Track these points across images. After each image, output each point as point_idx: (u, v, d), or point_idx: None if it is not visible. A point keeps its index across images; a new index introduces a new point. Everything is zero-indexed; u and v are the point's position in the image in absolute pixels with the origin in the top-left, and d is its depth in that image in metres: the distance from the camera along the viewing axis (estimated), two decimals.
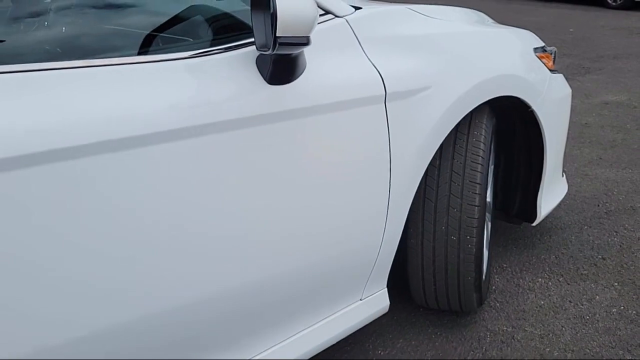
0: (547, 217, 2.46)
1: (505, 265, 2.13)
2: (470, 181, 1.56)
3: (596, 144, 3.39)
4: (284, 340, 1.31)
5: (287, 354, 1.32)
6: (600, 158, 3.16)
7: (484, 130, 1.61)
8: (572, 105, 3.24)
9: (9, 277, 0.86)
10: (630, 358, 1.64)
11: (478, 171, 1.56)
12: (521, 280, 2.03)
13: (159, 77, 1.03)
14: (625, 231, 2.35)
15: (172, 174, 1.01)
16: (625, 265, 2.11)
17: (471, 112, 1.59)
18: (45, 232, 0.88)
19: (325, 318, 1.41)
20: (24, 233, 0.86)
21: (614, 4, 9.24)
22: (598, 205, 2.59)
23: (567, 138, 3.45)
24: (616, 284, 2.00)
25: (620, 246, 2.24)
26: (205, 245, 1.08)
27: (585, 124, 3.77)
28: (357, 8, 1.41)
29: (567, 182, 2.74)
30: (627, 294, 1.94)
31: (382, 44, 1.38)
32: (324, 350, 1.42)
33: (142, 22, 1.29)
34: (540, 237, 2.32)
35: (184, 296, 1.07)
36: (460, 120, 1.55)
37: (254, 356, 1.25)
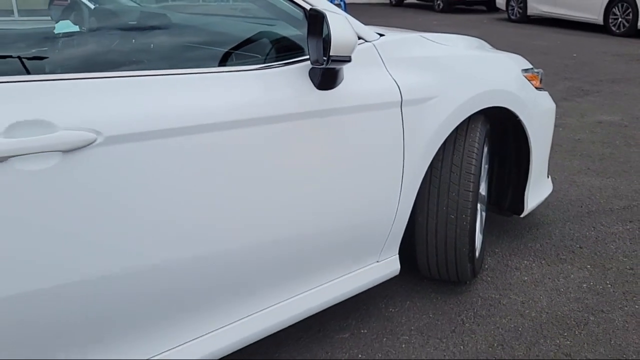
0: (535, 214, 2.86)
1: (497, 250, 2.54)
2: (466, 172, 1.98)
3: (586, 156, 3.79)
4: (325, 284, 1.74)
5: (327, 295, 1.74)
6: (588, 168, 3.56)
7: (478, 133, 2.03)
8: (567, 123, 3.64)
9: (153, 212, 1.28)
10: (593, 319, 2.03)
11: (473, 164, 1.98)
12: (509, 262, 2.43)
13: (235, 83, 1.46)
14: (602, 227, 2.75)
15: (243, 150, 1.43)
16: (598, 253, 2.50)
17: (468, 118, 2.01)
18: (168, 180, 1.30)
19: (353, 272, 1.83)
20: (157, 182, 1.28)
21: (617, 31, 9.66)
22: (581, 207, 2.99)
23: (560, 151, 3.88)
24: (589, 266, 2.40)
25: (596, 238, 2.64)
26: (273, 202, 1.50)
27: (578, 139, 4.17)
28: (381, 35, 1.84)
29: (557, 188, 3.15)
30: (597, 274, 2.33)
31: (400, 62, 1.81)
32: (349, 299, 1.83)
33: (223, 42, 1.73)
34: (529, 230, 2.72)
35: (265, 236, 1.49)
36: (460, 124, 1.98)
37: (307, 290, 1.67)
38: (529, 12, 11.57)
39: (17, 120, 1.10)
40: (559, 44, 8.89)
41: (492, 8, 13.52)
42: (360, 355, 1.86)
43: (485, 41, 2.73)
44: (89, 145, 1.17)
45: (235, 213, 1.43)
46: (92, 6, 2.06)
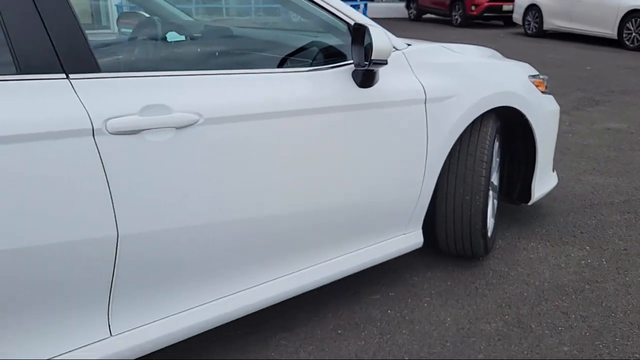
0: (542, 206, 3.21)
1: (507, 234, 2.89)
2: (479, 160, 2.34)
3: (592, 159, 4.13)
4: (362, 248, 2.11)
5: (364, 259, 2.12)
6: (594, 169, 3.90)
7: (490, 128, 2.40)
8: (577, 130, 4.00)
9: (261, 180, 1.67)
10: (588, 287, 2.38)
11: (485, 154, 2.35)
12: (518, 243, 2.79)
13: (290, 81, 1.84)
14: (602, 217, 3.09)
15: (301, 133, 1.81)
16: (597, 237, 2.84)
17: (481, 115, 2.38)
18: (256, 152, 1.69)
19: (384, 241, 2.21)
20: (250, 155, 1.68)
21: (631, 45, 9.95)
22: (584, 200, 3.33)
23: (569, 154, 4.22)
24: (588, 247, 2.74)
25: (596, 226, 2.98)
26: (326, 176, 1.88)
27: (586, 144, 4.51)
28: (409, 45, 2.23)
29: (564, 185, 3.50)
30: (594, 253, 2.68)
31: (424, 67, 2.19)
32: (377, 269, 2.21)
33: (281, 50, 2.13)
34: (536, 218, 3.07)
35: (321, 204, 1.88)
36: (474, 120, 2.35)
37: (349, 252, 2.05)
38: (545, 26, 11.90)
39: (147, 104, 1.50)
40: (573, 58, 9.21)
41: (509, 23, 13.86)
42: (389, 311, 2.22)
43: (500, 53, 3.10)
44: (194, 124, 1.57)
45: (297, 182, 1.82)
46: (172, 22, 2.50)
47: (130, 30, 2.53)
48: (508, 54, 3.58)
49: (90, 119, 1.41)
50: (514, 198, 2.90)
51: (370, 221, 2.13)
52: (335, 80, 1.93)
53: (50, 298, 1.45)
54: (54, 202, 1.38)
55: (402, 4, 17.51)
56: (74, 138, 1.39)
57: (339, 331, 2.10)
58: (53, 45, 1.40)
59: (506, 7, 14.05)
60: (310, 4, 1.94)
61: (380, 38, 1.82)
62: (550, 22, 11.76)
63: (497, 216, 2.88)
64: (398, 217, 2.22)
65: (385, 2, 18.86)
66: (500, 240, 2.82)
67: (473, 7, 14.18)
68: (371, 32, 1.79)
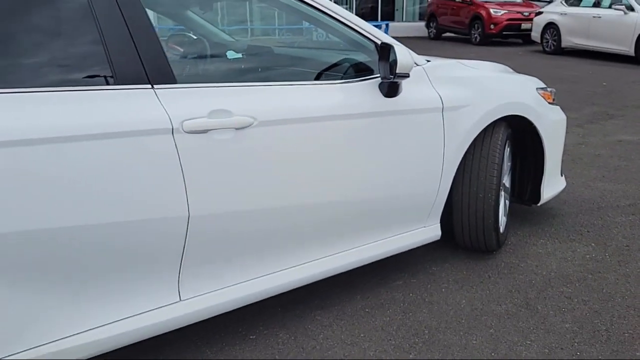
0: (552, 208, 3.48)
1: (519, 232, 3.16)
2: (491, 162, 2.64)
3: (603, 167, 4.38)
4: (386, 238, 2.42)
5: (389, 247, 2.42)
6: (603, 176, 4.15)
7: (500, 134, 2.70)
8: (590, 141, 4.28)
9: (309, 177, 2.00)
10: (591, 277, 2.64)
11: (496, 157, 2.64)
12: (528, 240, 3.06)
13: (323, 91, 2.18)
14: (608, 218, 3.35)
15: (332, 135, 2.14)
16: (602, 235, 3.10)
17: (493, 122, 2.68)
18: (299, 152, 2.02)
19: (406, 232, 2.51)
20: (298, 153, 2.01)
21: None
22: (592, 204, 3.58)
23: (581, 163, 4.48)
24: (593, 244, 3.00)
25: (602, 226, 3.24)
26: (357, 172, 2.20)
27: (598, 154, 4.76)
28: (428, 61, 2.55)
29: (574, 190, 3.77)
30: (599, 249, 2.94)
31: (441, 80, 2.51)
32: (400, 260, 2.51)
33: (318, 65, 2.47)
34: (546, 219, 3.34)
35: (346, 199, 2.20)
36: (486, 127, 2.65)
37: (376, 241, 2.36)
38: (563, 44, 12.14)
39: (214, 109, 1.84)
40: (590, 74, 9.44)
41: (528, 41, 14.11)
42: (411, 294, 2.52)
43: (519, 71, 3.39)
44: (250, 125, 1.91)
45: (333, 176, 2.15)
46: (218, 41, 2.87)
47: (181, 49, 2.91)
48: (526, 70, 3.87)
49: (170, 120, 1.75)
50: (525, 199, 3.18)
51: (394, 214, 2.44)
52: (364, 91, 2.26)
53: (135, 266, 1.78)
54: (141, 186, 1.72)
55: (422, 24, 17.88)
56: (158, 136, 1.73)
57: (367, 310, 2.40)
58: (142, 62, 1.76)
59: (525, 25, 14.30)
60: (343, 26, 2.28)
61: (403, 55, 2.15)
62: (568, 40, 11.99)
63: (510, 216, 3.16)
64: (418, 211, 2.53)
65: (406, 21, 19.27)
66: (512, 237, 3.10)
67: (492, 26, 14.47)
68: (396, 50, 2.12)
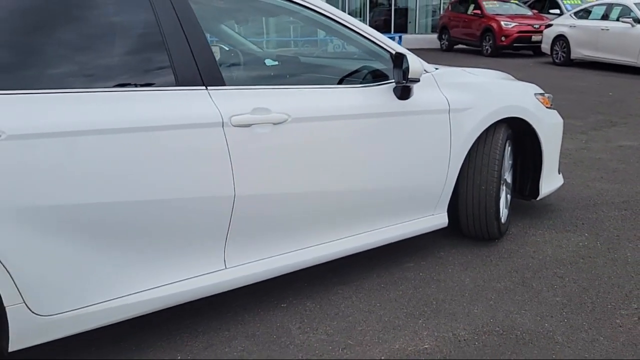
0: (552, 204, 3.80)
1: (519, 224, 3.49)
2: (492, 158, 2.98)
3: (602, 169, 4.69)
4: (399, 223, 2.76)
5: (401, 231, 2.77)
6: (602, 177, 4.46)
7: (501, 134, 3.04)
8: (592, 147, 4.65)
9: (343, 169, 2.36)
10: (582, 261, 2.96)
11: (497, 154, 2.98)
12: (528, 230, 3.39)
13: (345, 94, 2.54)
14: (602, 212, 3.66)
15: (353, 131, 2.50)
16: (595, 227, 3.42)
17: (495, 124, 3.02)
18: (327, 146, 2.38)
19: (416, 219, 2.85)
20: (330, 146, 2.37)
21: None
22: (589, 201, 3.90)
23: (582, 166, 4.80)
24: (586, 234, 3.32)
25: (596, 219, 3.55)
26: (372, 164, 2.56)
27: (599, 158, 5.06)
28: (437, 68, 2.91)
29: (572, 189, 4.10)
30: (591, 238, 3.26)
31: (448, 85, 2.86)
32: (410, 246, 2.85)
33: (340, 72, 2.84)
34: (545, 213, 3.66)
35: (365, 187, 2.55)
36: (488, 127, 2.99)
37: (390, 225, 2.70)
38: (573, 56, 12.44)
39: (255, 107, 2.21)
40: (597, 84, 9.73)
41: (538, 53, 14.42)
42: (420, 274, 2.85)
43: (529, 81, 3.72)
44: (285, 121, 2.27)
45: (354, 166, 2.50)
46: (250, 52, 3.26)
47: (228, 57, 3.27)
48: (537, 81, 4.20)
49: (221, 115, 2.12)
50: (525, 194, 3.51)
51: (407, 202, 2.78)
52: (380, 94, 2.62)
53: (190, 237, 2.14)
54: (197, 169, 2.08)
55: (435, 36, 18.27)
56: (211, 128, 2.10)
57: (382, 285, 2.74)
58: (198, 68, 2.13)
59: (535, 37, 14.62)
60: (362, 38, 2.65)
61: (415, 63, 2.51)
62: (577, 52, 12.29)
63: (512, 211, 3.48)
64: (428, 200, 2.87)
65: (418, 34, 19.67)
66: (513, 228, 3.42)
67: (503, 38, 14.80)
68: (408, 58, 2.49)
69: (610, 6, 11.93)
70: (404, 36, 17.55)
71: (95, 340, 2.27)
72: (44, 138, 1.79)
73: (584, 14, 12.55)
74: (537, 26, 14.69)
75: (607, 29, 11.51)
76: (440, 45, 17.65)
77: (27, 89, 1.82)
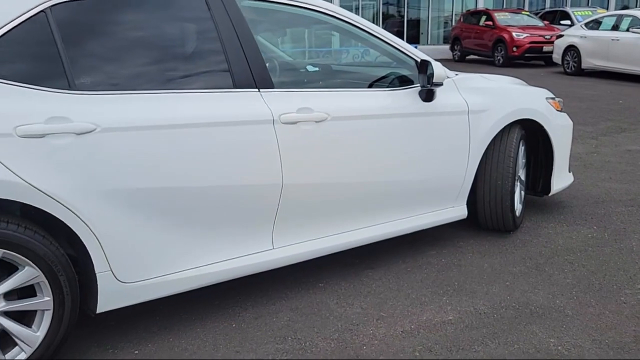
0: (563, 201, 4.08)
1: (533, 219, 3.77)
2: (507, 156, 3.28)
3: (611, 171, 4.95)
4: (423, 213, 3.06)
5: (425, 220, 3.07)
6: (610, 178, 4.73)
7: (515, 134, 3.33)
8: (601, 151, 4.97)
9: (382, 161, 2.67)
10: (591, 249, 3.23)
11: (511, 152, 3.28)
12: (541, 224, 3.67)
13: (376, 96, 2.85)
14: (610, 208, 3.94)
15: (383, 129, 2.81)
16: (603, 220, 3.70)
17: (509, 125, 3.32)
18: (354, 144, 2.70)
19: (438, 210, 3.15)
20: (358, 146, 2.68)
21: None
22: (598, 198, 4.17)
23: (591, 168, 5.08)
24: (595, 227, 3.60)
25: (604, 214, 3.83)
26: (400, 159, 2.87)
27: (608, 161, 5.33)
28: (457, 74, 3.22)
29: (583, 189, 4.39)
30: (599, 230, 3.53)
31: (467, 89, 3.17)
32: (433, 237, 3.15)
33: (371, 77, 3.16)
34: (557, 209, 3.94)
35: (394, 179, 2.86)
36: (503, 128, 3.29)
37: (415, 215, 3.00)
38: (584, 65, 12.69)
39: (300, 107, 2.53)
40: (607, 93, 9.98)
41: (550, 63, 14.68)
42: (443, 260, 3.15)
43: (551, 92, 4.02)
44: (325, 120, 2.59)
45: (385, 160, 2.81)
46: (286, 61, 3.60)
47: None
48: (549, 89, 4.53)
49: (272, 114, 2.45)
50: (538, 191, 3.79)
51: (430, 193, 3.08)
52: (407, 97, 2.93)
53: (243, 219, 2.46)
54: (251, 160, 2.40)
55: (447, 46, 18.60)
56: (263, 125, 2.43)
57: (408, 269, 3.04)
58: (252, 73, 2.46)
59: (546, 48, 14.89)
60: (391, 47, 2.97)
61: (438, 69, 2.83)
62: (588, 62, 12.54)
63: (526, 207, 3.76)
64: (449, 193, 3.17)
65: (431, 44, 20.01)
66: (527, 222, 3.71)
67: (515, 48, 15.09)
68: (432, 64, 2.80)
69: (620, 17, 12.20)
70: (418, 46, 17.91)
71: (159, 312, 2.59)
72: (130, 131, 2.12)
73: (595, 24, 12.81)
74: (548, 37, 14.97)
75: (618, 40, 11.77)
76: (453, 55, 17.97)
77: (116, 91, 2.16)
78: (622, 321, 2.49)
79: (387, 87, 2.99)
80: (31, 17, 2.05)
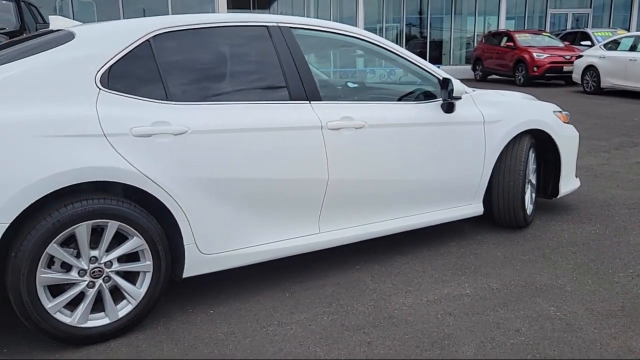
0: (571, 204, 4.55)
1: (542, 218, 4.25)
2: (518, 160, 3.78)
3: (619, 180, 5.40)
4: (445, 209, 3.58)
5: (446, 215, 3.58)
6: (617, 186, 5.18)
7: (526, 142, 3.84)
8: (612, 163, 5.49)
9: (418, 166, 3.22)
10: (592, 242, 3.70)
11: (522, 157, 3.78)
12: (549, 222, 4.14)
13: (405, 108, 3.40)
14: (614, 210, 4.39)
15: (411, 136, 3.35)
16: (607, 220, 4.16)
17: (520, 134, 3.83)
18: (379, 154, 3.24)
19: (457, 206, 3.66)
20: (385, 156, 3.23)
21: None
22: (604, 202, 4.63)
23: (601, 178, 5.55)
24: (599, 225, 4.06)
25: (607, 215, 4.29)
26: (425, 161, 3.40)
27: (617, 172, 5.77)
28: (474, 90, 3.76)
29: (590, 194, 4.82)
30: (602, 227, 4.00)
31: (483, 103, 3.70)
32: (452, 231, 3.66)
33: (399, 92, 3.71)
34: (565, 210, 4.41)
35: (420, 178, 3.39)
36: (515, 136, 3.80)
37: (436, 210, 3.52)
38: (602, 85, 13.08)
39: (343, 115, 3.09)
40: (624, 111, 10.37)
41: (570, 82, 15.09)
42: (461, 249, 3.64)
43: (560, 107, 4.53)
44: (363, 127, 3.14)
45: (413, 161, 3.35)
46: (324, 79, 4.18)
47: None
48: (567, 108, 5.02)
49: (320, 121, 3.01)
50: (548, 194, 4.28)
51: (451, 191, 3.60)
52: (430, 109, 3.47)
53: (295, 207, 3.00)
54: (303, 159, 2.95)
55: (469, 67, 19.12)
56: (313, 130, 2.99)
57: (431, 256, 3.55)
58: (304, 88, 3.03)
59: (567, 68, 15.32)
60: (417, 67, 3.52)
61: (457, 85, 3.37)
62: (607, 81, 12.94)
63: (536, 208, 4.24)
64: (467, 191, 3.68)
65: (453, 65, 20.56)
66: (537, 220, 4.19)
67: (535, 68, 15.55)
68: (452, 81, 3.35)
69: (637, 38, 12.60)
70: (440, 67, 18.48)
71: (228, 283, 3.14)
72: (213, 133, 2.70)
73: (613, 45, 13.23)
74: (568, 57, 15.39)
75: (635, 60, 12.17)
76: (475, 75, 18.47)
77: (202, 102, 2.75)
78: (613, 296, 2.96)
79: (414, 100, 3.54)
80: (139, 45, 2.66)
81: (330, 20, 18.63)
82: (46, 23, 8.69)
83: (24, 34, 7.00)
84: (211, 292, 3.07)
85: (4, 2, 7.42)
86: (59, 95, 2.44)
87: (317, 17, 19.06)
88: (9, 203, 2.23)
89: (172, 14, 16.81)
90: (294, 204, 3.00)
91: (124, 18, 16.36)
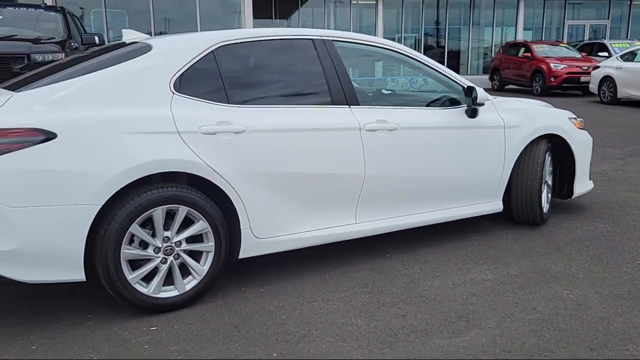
0: (585, 205, 4.87)
1: (558, 217, 4.58)
2: (535, 162, 4.13)
3: (632, 184, 5.70)
4: (467, 205, 3.94)
5: (468, 210, 3.94)
6: (630, 189, 5.48)
7: (543, 146, 4.19)
8: (626, 169, 5.83)
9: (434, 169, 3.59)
10: (604, 238, 4.03)
11: (539, 159, 4.13)
12: (564, 220, 4.48)
13: (433, 113, 3.77)
14: (625, 211, 4.71)
15: (437, 138, 3.72)
16: (618, 219, 4.48)
17: (537, 138, 4.18)
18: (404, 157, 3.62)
19: (479, 203, 4.02)
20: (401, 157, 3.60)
21: None
22: (616, 203, 4.95)
23: (614, 181, 5.86)
24: (610, 223, 4.39)
25: (619, 214, 4.60)
26: (450, 161, 3.77)
27: (630, 176, 6.07)
28: (495, 97, 4.12)
29: (604, 196, 5.14)
30: (613, 225, 4.32)
31: (503, 109, 4.06)
32: (473, 228, 4.01)
33: (427, 99, 4.09)
34: (579, 210, 4.74)
35: (446, 176, 3.75)
36: (532, 140, 4.15)
37: (460, 206, 3.88)
38: (619, 95, 13.32)
39: (378, 119, 3.47)
40: (639, 121, 10.61)
41: (587, 92, 15.32)
42: (483, 242, 3.99)
43: (573, 114, 4.87)
44: (395, 129, 3.53)
45: (439, 161, 3.71)
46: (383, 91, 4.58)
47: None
48: (584, 117, 5.32)
49: (359, 123, 3.40)
50: (563, 194, 4.62)
51: (474, 189, 3.96)
52: (456, 114, 3.84)
53: (336, 199, 3.38)
54: (343, 157, 3.34)
55: (486, 77, 19.42)
56: (352, 131, 3.37)
57: (455, 248, 3.90)
58: (344, 94, 3.42)
59: (584, 78, 15.56)
60: (444, 77, 3.90)
61: (481, 93, 3.75)
62: (624, 92, 13.17)
63: (552, 208, 4.58)
64: (488, 189, 4.04)
65: (471, 74, 20.88)
66: (553, 219, 4.52)
67: (552, 79, 15.81)
68: (476, 89, 3.72)
69: None
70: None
71: (274, 267, 3.53)
72: (267, 132, 3.10)
73: (630, 56, 13.47)
74: (585, 68, 15.63)
75: None
76: (492, 85, 18.76)
77: (258, 105, 3.15)
78: (620, 282, 3.29)
79: (440, 106, 3.91)
80: (205, 55, 3.08)
81: (350, 30, 19.09)
82: (87, 33, 9.23)
83: (70, 42, 7.51)
84: (260, 274, 3.46)
85: (52, 13, 7.95)
86: (140, 98, 2.86)
87: (336, 27, 19.56)
88: (103, 188, 2.64)
89: (200, 23, 17.41)
90: (334, 196, 3.38)
91: (154, 27, 17.02)
